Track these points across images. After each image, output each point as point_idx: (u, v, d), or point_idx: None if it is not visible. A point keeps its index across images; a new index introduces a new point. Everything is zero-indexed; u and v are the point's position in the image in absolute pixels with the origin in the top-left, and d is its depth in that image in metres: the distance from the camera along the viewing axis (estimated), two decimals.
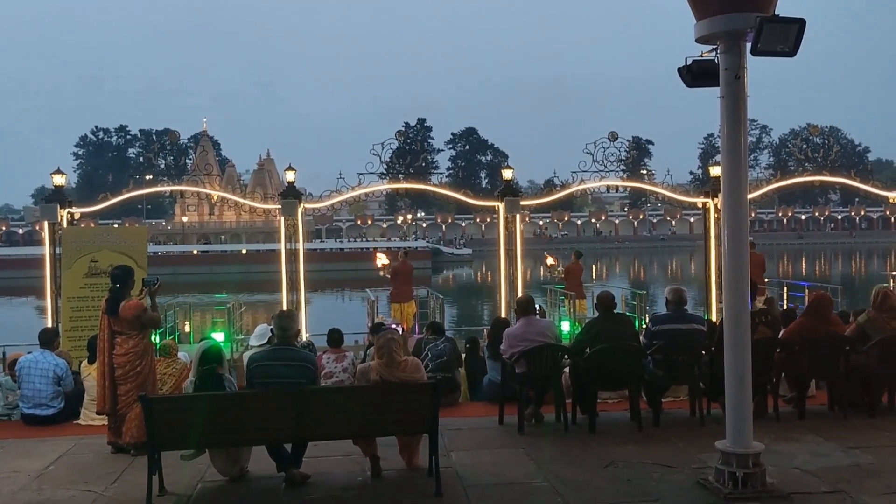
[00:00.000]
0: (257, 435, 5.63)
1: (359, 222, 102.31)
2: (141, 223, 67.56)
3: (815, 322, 7.70)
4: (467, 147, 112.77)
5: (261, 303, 31.69)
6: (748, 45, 5.09)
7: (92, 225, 16.87)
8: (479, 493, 5.50)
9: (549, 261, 17.75)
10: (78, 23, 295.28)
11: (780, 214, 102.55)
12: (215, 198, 13.60)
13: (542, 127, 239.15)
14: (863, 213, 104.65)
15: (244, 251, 72.82)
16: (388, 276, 15.45)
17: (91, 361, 7.79)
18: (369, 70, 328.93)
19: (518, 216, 12.60)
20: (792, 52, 4.96)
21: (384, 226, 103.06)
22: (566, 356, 7.65)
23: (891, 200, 13.66)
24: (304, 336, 11.29)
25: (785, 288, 15.83)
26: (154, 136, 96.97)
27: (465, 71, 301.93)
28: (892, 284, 13.13)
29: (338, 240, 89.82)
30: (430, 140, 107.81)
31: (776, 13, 5.13)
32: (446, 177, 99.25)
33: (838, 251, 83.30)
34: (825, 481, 5.49)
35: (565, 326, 14.07)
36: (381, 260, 16.38)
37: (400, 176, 13.58)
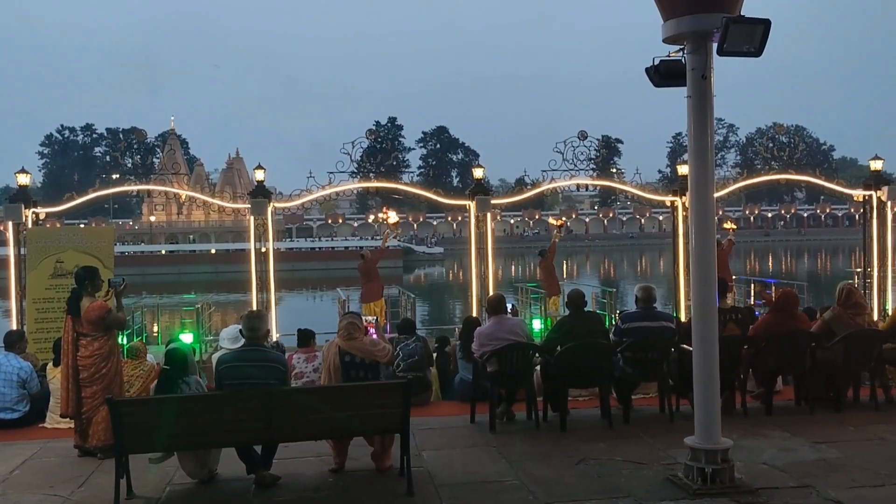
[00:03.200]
0: (226, 437, 5.57)
1: (329, 221, 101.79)
2: (108, 223, 66.52)
3: (782, 318, 7.81)
4: (438, 146, 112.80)
5: (230, 303, 31.42)
6: (714, 46, 5.15)
7: (58, 225, 16.58)
8: (450, 493, 5.50)
9: (559, 221, 17.85)
10: (43, 20, 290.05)
11: (747, 212, 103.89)
12: (183, 197, 13.43)
13: (512, 126, 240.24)
14: (828, 210, 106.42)
15: (213, 251, 72.13)
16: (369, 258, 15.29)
17: (56, 364, 7.66)
18: (339, 69, 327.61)
19: (489, 215, 12.62)
20: (758, 53, 5.03)
21: (355, 225, 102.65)
22: (537, 354, 7.68)
23: (855, 198, 13.87)
24: (275, 336, 11.21)
25: (752, 285, 16.06)
26: (121, 135, 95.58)
27: (435, 71, 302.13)
28: (856, 281, 13.37)
29: (308, 239, 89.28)
30: (400, 139, 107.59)
31: (742, 14, 5.19)
32: (417, 175, 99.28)
33: (804, 248, 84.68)
34: (792, 476, 5.58)
35: (537, 325, 14.13)
36: (392, 217, 16.18)
37: (371, 175, 13.56)
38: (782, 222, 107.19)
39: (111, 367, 6.70)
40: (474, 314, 11.58)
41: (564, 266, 59.17)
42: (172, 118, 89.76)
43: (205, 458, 5.81)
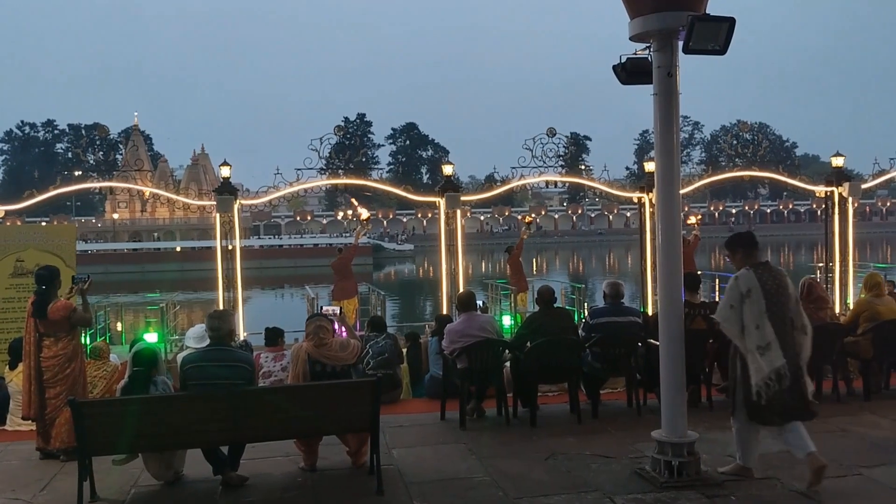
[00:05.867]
0: (192, 438, 5.50)
1: (298, 218, 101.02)
2: (70, 221, 65.17)
3: None
4: (408, 142, 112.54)
5: (196, 302, 31.06)
6: (680, 44, 5.19)
7: (18, 223, 16.24)
8: (420, 490, 5.49)
9: (527, 218, 18.17)
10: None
11: (711, 208, 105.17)
12: (147, 194, 13.21)
13: (482, 124, 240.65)
14: (791, 206, 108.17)
15: (178, 249, 71.25)
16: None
17: (13, 367, 7.50)
18: (308, 65, 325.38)
19: (459, 211, 12.59)
20: (722, 51, 5.09)
21: (324, 222, 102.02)
22: (507, 351, 7.70)
23: (817, 194, 14.08)
24: (242, 335, 11.09)
25: (717, 280, 16.25)
26: (83, 131, 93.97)
27: (404, 69, 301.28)
28: (818, 276, 13.59)
29: (276, 236, 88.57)
30: (370, 135, 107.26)
31: (707, 12, 5.25)
32: (387, 172, 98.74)
33: (767, 244, 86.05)
34: (757, 468, 5.64)
35: (506, 321, 14.17)
36: (364, 214, 16.10)
37: (339, 171, 13.41)
38: (733, 219, 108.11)
39: (75, 368, 6.59)
40: (445, 311, 11.58)
41: (534, 262, 59.47)
42: (136, 114, 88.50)
43: (170, 459, 5.72)
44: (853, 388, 8.19)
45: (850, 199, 13.30)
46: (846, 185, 13.27)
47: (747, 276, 5.29)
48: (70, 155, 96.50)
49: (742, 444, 5.46)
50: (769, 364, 5.14)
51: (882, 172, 14.24)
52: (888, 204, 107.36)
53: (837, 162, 13.77)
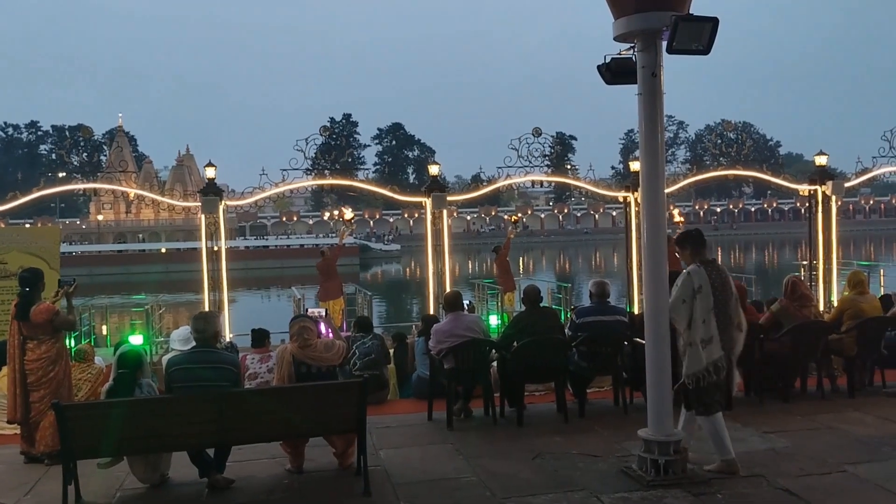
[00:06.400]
0: (178, 440, 5.46)
1: (284, 219, 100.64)
2: (54, 222, 64.73)
3: None
4: (394, 142, 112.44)
5: (182, 303, 30.88)
6: (664, 44, 5.21)
7: (1, 225, 16.10)
8: (407, 491, 5.48)
9: (514, 217, 18.57)
10: None
11: (696, 207, 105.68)
12: (132, 195, 13.13)
13: (468, 124, 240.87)
14: (775, 204, 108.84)
15: (163, 250, 70.85)
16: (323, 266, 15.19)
17: None
18: (293, 65, 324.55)
19: (445, 211, 12.60)
20: (706, 51, 5.11)
21: (310, 222, 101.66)
22: (494, 350, 7.71)
23: (801, 193, 14.17)
24: (228, 336, 11.05)
25: None
26: (67, 133, 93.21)
27: (390, 73, 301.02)
28: (802, 274, 13.69)
29: (262, 237, 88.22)
30: (356, 135, 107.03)
31: (691, 12, 5.27)
32: (373, 172, 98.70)
33: (751, 242, 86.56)
34: (743, 466, 5.65)
35: (493, 321, 14.19)
36: (347, 214, 16.25)
37: (325, 172, 13.37)
38: (714, 217, 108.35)
39: (59, 371, 6.54)
40: (431, 311, 11.57)
41: (521, 262, 59.57)
42: (120, 115, 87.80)
43: (156, 462, 5.69)
44: (837, 386, 8.26)
45: (834, 198, 13.39)
46: (829, 183, 13.37)
47: (699, 273, 5.52)
48: (54, 156, 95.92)
49: (714, 438, 5.56)
50: (708, 356, 5.43)
51: (865, 171, 14.37)
52: (871, 202, 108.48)
53: (821, 160, 13.87)
